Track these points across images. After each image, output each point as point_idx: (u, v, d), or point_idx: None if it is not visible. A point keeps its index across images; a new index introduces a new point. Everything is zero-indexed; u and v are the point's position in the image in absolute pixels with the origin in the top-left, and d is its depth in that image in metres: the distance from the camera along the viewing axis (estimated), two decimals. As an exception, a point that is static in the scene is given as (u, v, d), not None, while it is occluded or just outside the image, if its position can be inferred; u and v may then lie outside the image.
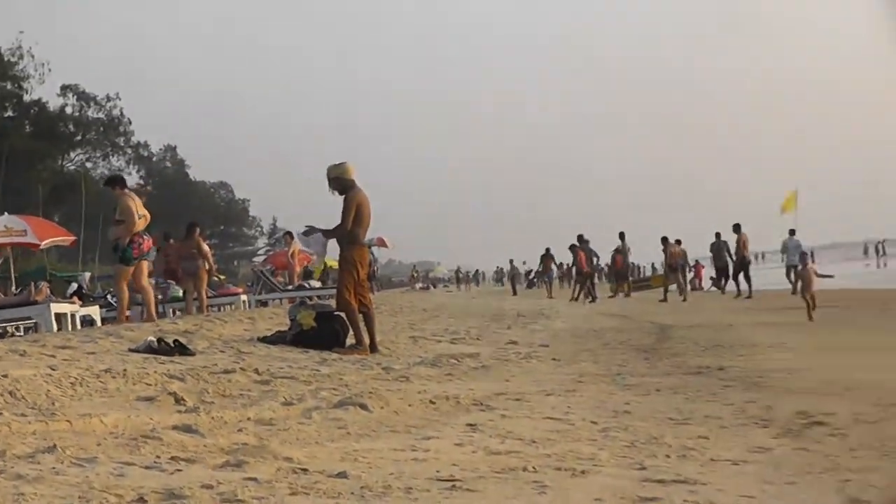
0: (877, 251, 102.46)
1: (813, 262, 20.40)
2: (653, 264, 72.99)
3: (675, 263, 37.09)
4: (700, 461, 5.83)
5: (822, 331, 16.93)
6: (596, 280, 41.73)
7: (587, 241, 39.06)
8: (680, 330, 18.14)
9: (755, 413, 7.68)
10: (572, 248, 39.40)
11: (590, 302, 35.87)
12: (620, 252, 40.00)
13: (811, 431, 6.78)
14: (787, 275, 33.79)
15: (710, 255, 35.99)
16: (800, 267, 20.23)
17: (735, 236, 34.21)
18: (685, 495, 4.88)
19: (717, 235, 35.71)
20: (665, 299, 33.43)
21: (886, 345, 13.60)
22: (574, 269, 40.59)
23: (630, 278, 42.26)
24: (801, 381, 9.85)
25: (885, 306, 23.00)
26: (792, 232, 35.42)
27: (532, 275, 75.15)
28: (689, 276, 40.51)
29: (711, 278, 39.84)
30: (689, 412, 7.85)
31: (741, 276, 34.02)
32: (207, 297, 23.52)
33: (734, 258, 34.44)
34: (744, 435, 6.77)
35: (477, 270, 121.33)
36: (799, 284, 20.11)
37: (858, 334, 15.96)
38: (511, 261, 68.19)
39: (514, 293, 53.04)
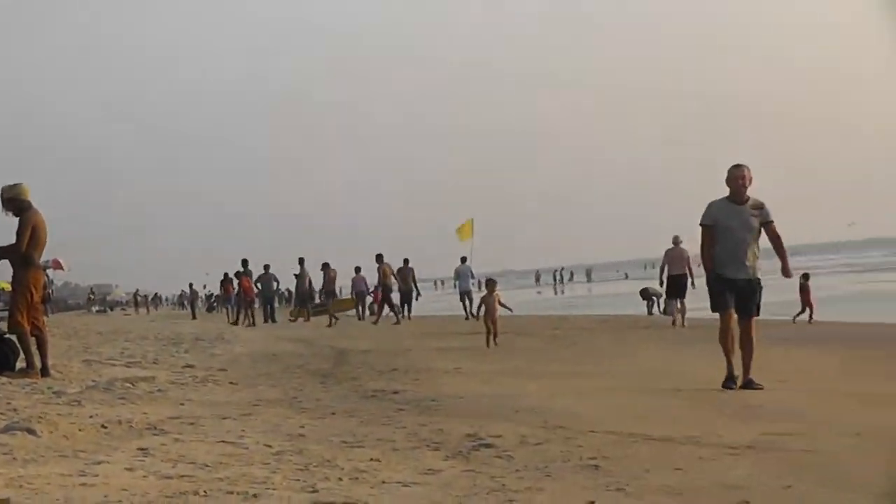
0: (554, 279, 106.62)
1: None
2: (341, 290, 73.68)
3: (332, 288, 38.84)
4: (371, 483, 5.94)
5: (497, 356, 17.44)
6: (276, 304, 42.10)
7: (267, 267, 39.44)
8: (357, 354, 18.37)
9: (427, 436, 7.89)
10: (237, 274, 40.47)
11: (249, 324, 36.75)
12: (299, 277, 40.19)
13: (479, 453, 7.03)
14: (462, 300, 34.75)
15: (395, 280, 36.58)
16: (484, 293, 20.70)
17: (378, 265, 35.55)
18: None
19: (405, 262, 36.50)
20: (330, 325, 33.67)
21: (555, 371, 14.17)
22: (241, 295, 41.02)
23: (310, 304, 42.40)
24: (473, 404, 10.18)
25: (555, 333, 23.97)
26: (463, 259, 36.61)
27: (212, 299, 74.50)
28: (369, 300, 41.07)
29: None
30: (362, 435, 7.97)
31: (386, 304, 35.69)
32: None
33: (379, 286, 36.16)
34: (415, 458, 6.94)
35: (156, 294, 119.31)
36: (482, 310, 20.58)
37: (530, 360, 16.50)
38: (191, 284, 67.22)
39: (194, 317, 52.45)
